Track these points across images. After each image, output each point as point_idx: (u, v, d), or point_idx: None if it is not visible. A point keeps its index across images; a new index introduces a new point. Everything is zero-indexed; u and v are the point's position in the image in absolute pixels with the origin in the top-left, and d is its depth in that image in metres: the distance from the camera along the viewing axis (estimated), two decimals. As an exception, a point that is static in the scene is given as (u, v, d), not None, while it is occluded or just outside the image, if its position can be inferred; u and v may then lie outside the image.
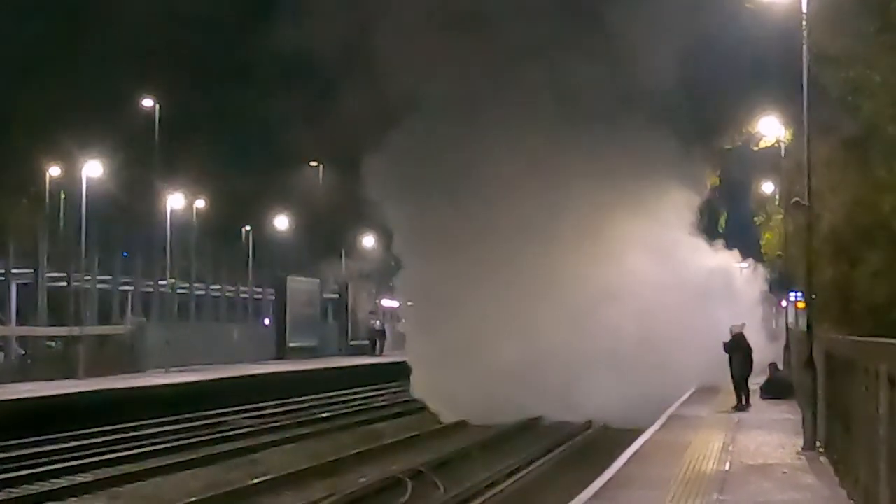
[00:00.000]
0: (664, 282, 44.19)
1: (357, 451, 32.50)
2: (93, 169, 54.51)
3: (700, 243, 48.70)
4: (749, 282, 52.75)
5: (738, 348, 32.70)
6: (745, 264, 54.37)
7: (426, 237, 45.50)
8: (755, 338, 36.47)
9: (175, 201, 65.49)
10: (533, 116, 44.09)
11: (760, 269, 55.75)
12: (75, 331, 51.87)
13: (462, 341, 43.65)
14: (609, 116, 43.53)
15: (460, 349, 43.72)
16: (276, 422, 41.21)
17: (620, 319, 43.03)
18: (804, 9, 23.69)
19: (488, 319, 43.61)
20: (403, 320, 58.63)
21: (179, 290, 70.27)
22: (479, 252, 43.97)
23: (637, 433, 27.44)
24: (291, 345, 71.49)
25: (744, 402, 32.73)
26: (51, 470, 28.21)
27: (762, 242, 62.93)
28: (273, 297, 76.28)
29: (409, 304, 52.56)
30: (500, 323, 43.52)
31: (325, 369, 61.71)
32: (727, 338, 33.26)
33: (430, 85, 44.69)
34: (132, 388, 43.77)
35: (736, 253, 52.74)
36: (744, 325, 34.31)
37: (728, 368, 33.11)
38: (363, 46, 44.94)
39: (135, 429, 37.12)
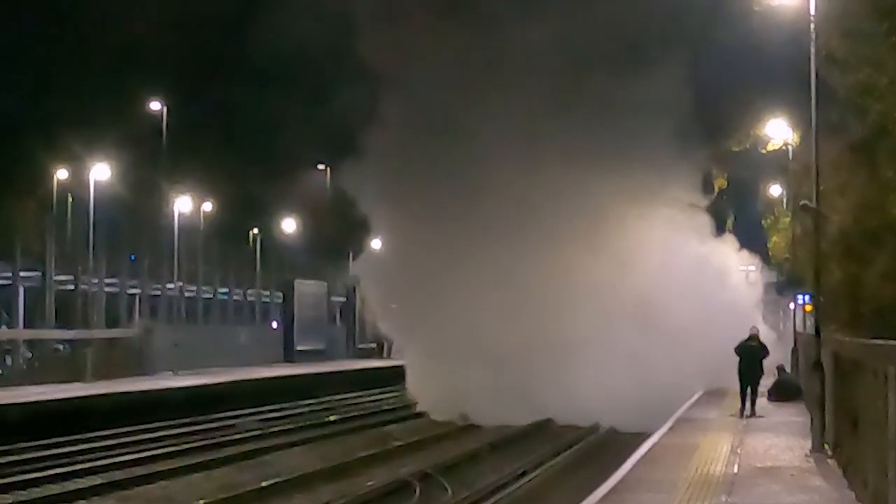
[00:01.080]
0: (669, 276, 43.75)
1: (365, 453, 32.53)
2: (100, 172, 54.59)
3: (703, 220, 47.83)
4: (752, 282, 52.50)
5: (747, 351, 32.01)
6: (752, 267, 54.21)
7: (419, 236, 45.36)
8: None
9: (182, 204, 65.55)
10: (528, 101, 43.83)
11: (764, 268, 55.58)
12: (83, 334, 51.96)
13: (464, 343, 43.54)
14: (608, 101, 43.19)
15: (461, 351, 43.63)
16: (284, 425, 41.22)
17: (622, 315, 42.78)
18: (812, 11, 23.66)
19: (490, 321, 43.38)
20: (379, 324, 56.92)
21: (187, 293, 70.34)
22: (474, 251, 43.79)
23: (645, 436, 27.45)
24: (299, 348, 71.49)
25: (748, 408, 31.89)
26: (60, 473, 28.22)
27: (770, 245, 62.94)
28: (281, 300, 76.33)
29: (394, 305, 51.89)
30: (502, 324, 43.28)
31: (333, 372, 61.74)
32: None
33: (425, 66, 44.46)
34: (140, 392, 43.79)
35: (731, 237, 52.22)
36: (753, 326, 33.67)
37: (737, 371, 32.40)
38: (360, 41, 44.79)
39: (143, 431, 37.14)
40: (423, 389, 46.57)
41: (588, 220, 43.96)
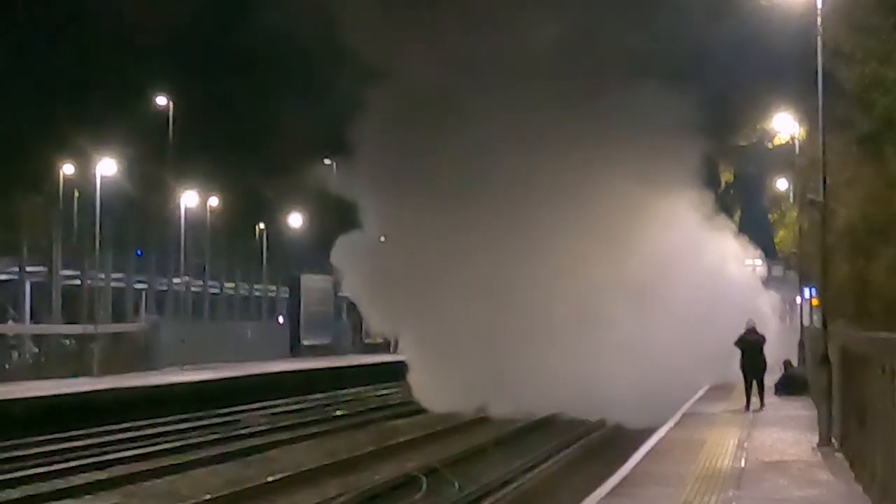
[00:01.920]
0: (671, 263, 43.44)
1: (372, 448, 32.49)
2: (106, 167, 54.55)
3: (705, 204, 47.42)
4: (759, 276, 52.32)
5: (748, 344, 31.85)
6: (759, 261, 54.09)
7: (414, 226, 45.17)
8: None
9: (189, 199, 65.59)
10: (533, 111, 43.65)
11: (770, 262, 55.44)
12: (90, 329, 52.01)
13: (463, 336, 43.41)
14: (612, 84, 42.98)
15: (462, 344, 43.51)
16: (290, 420, 41.23)
17: (624, 305, 42.59)
18: (819, 5, 23.61)
19: (489, 313, 43.21)
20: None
21: (193, 288, 70.39)
22: (471, 243, 43.62)
23: (651, 431, 27.41)
24: (305, 342, 71.52)
25: (756, 402, 31.68)
26: (66, 468, 28.25)
27: (776, 239, 62.97)
28: (287, 295, 76.35)
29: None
30: (500, 316, 43.09)
31: (340, 367, 61.74)
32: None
33: (422, 54, 44.30)
34: (147, 386, 43.84)
35: (724, 217, 51.95)
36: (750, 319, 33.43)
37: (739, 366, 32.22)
38: (359, 33, 44.60)
39: (149, 426, 37.17)
40: (422, 384, 46.37)
41: (590, 209, 43.58)
